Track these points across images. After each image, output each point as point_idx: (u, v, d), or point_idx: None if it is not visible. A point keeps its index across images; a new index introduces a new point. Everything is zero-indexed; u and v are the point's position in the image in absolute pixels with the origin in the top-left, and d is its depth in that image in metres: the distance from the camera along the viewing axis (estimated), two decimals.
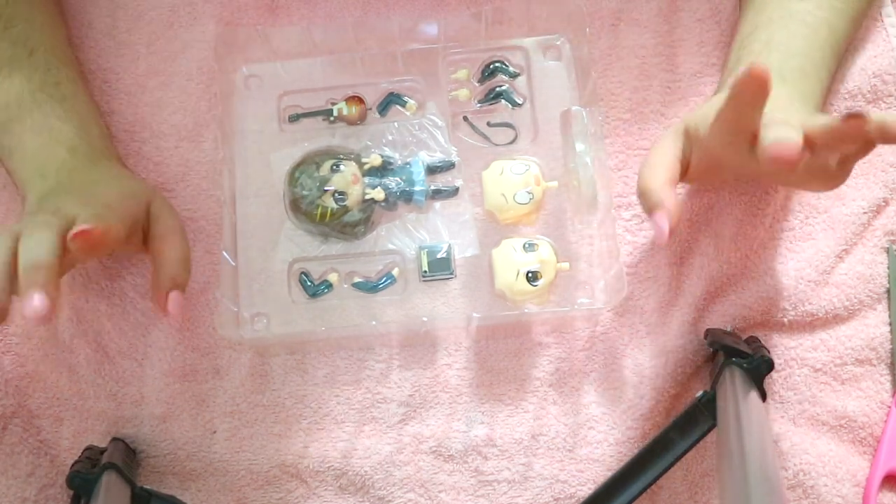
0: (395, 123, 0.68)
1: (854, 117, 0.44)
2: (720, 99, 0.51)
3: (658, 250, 0.64)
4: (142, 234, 0.60)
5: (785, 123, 0.47)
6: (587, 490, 0.60)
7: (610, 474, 0.60)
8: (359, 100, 0.68)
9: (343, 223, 0.64)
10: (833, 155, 0.48)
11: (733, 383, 0.57)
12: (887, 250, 0.64)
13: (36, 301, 0.47)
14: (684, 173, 0.58)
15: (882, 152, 0.66)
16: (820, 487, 0.60)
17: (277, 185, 0.66)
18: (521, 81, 0.68)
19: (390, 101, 0.68)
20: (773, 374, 0.62)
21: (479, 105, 0.68)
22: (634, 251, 0.65)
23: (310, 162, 0.64)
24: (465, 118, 0.68)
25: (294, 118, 0.68)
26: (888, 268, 0.64)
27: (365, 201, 0.64)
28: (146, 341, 0.64)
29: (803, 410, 0.62)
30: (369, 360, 0.64)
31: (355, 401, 0.63)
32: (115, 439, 0.62)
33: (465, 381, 0.63)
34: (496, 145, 0.67)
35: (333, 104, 0.68)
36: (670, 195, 0.54)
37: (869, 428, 0.61)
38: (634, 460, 0.59)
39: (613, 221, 0.62)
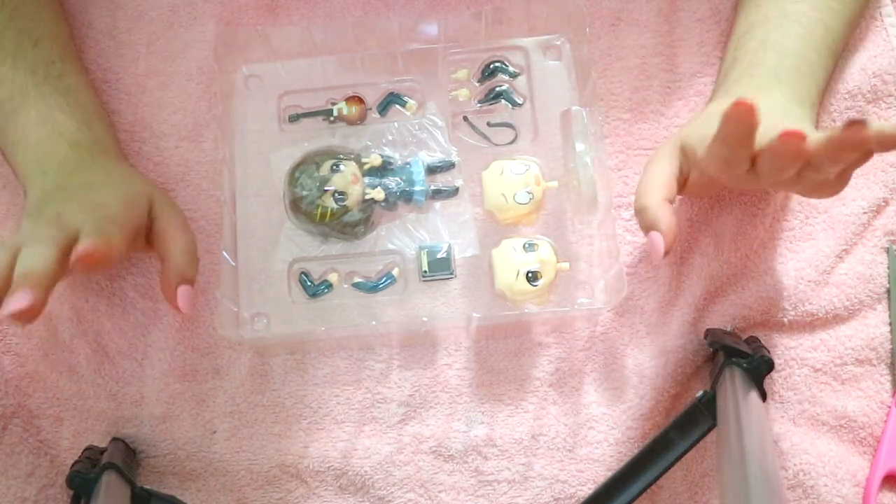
0: (395, 123, 0.68)
1: (854, 125, 0.44)
2: (716, 112, 0.50)
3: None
4: (144, 235, 0.60)
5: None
6: (587, 490, 0.60)
7: (610, 474, 0.60)
8: (359, 100, 0.68)
9: (343, 223, 0.63)
10: (834, 167, 0.48)
11: (733, 383, 0.57)
12: (887, 250, 0.64)
13: (19, 295, 0.48)
14: (682, 188, 0.58)
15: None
16: (820, 487, 0.60)
17: (277, 185, 0.66)
18: (521, 81, 0.68)
19: (390, 101, 0.68)
20: (773, 374, 0.62)
21: (479, 105, 0.68)
22: (634, 251, 0.65)
23: (310, 162, 0.64)
24: (465, 118, 0.68)
25: (294, 118, 0.68)
26: (888, 268, 0.64)
27: (365, 201, 0.64)
28: (146, 341, 0.64)
29: (803, 410, 0.62)
30: (369, 360, 0.64)
31: (355, 401, 0.63)
32: (115, 439, 0.62)
33: (465, 381, 0.63)
34: (496, 145, 0.67)
35: (333, 104, 0.68)
36: (666, 215, 0.54)
37: (869, 428, 0.61)
38: (634, 460, 0.59)
39: (613, 221, 0.62)
